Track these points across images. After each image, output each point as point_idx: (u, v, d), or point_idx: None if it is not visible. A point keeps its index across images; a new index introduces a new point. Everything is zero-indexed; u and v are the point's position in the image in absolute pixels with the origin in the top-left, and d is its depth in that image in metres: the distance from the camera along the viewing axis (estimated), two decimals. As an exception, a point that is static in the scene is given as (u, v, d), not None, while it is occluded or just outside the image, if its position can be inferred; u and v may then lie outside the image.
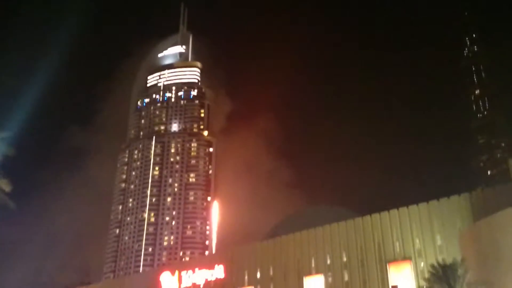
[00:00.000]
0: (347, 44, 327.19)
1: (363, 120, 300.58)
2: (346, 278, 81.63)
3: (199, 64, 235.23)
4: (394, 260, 77.07)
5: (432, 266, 60.05)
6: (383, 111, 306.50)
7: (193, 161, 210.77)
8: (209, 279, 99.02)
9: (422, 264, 73.54)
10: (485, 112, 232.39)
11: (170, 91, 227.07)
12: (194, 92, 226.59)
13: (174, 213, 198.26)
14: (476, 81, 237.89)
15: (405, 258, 76.03)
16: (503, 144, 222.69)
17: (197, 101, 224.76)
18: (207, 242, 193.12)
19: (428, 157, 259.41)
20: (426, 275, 62.59)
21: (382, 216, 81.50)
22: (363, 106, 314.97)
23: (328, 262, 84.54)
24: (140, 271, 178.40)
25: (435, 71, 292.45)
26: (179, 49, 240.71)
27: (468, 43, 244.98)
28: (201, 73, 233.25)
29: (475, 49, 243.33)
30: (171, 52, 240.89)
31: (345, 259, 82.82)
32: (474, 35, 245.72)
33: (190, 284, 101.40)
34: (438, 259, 63.94)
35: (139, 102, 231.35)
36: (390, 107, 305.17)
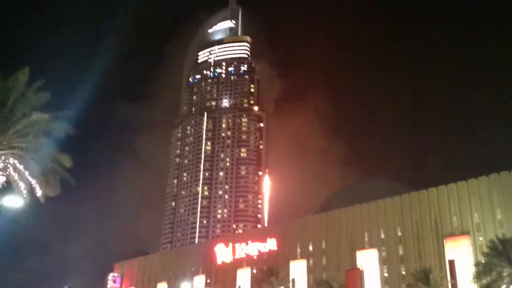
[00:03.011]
0: (406, 26, 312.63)
1: (419, 97, 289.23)
2: (401, 252, 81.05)
3: (248, 38, 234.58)
4: (451, 234, 75.62)
5: (492, 241, 58.45)
6: (443, 86, 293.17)
7: (244, 136, 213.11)
8: (262, 251, 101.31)
9: (480, 238, 71.82)
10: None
11: (220, 67, 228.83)
12: (244, 67, 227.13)
13: (226, 187, 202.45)
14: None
15: (463, 232, 74.45)
16: None
17: (247, 76, 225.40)
18: (259, 215, 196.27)
19: (486, 133, 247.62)
20: (485, 250, 61.07)
21: (439, 191, 79.82)
22: (420, 83, 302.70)
23: (382, 236, 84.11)
24: (196, 242, 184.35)
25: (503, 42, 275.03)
26: (229, 24, 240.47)
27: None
28: (250, 48, 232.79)
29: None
30: (221, 27, 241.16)
31: (399, 233, 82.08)
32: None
33: (243, 256, 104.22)
34: (497, 234, 62.21)
35: (190, 79, 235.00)
36: (450, 85, 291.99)
